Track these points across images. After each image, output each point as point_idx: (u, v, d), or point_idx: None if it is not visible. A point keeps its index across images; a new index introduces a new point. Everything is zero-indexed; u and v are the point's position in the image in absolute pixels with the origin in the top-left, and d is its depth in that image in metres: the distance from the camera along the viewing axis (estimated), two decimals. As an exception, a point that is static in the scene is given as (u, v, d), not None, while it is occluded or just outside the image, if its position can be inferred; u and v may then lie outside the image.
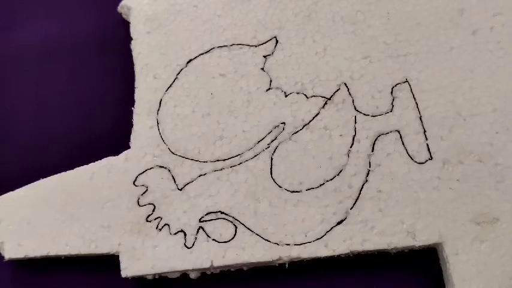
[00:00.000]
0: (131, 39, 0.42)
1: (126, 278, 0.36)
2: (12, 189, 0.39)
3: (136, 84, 0.40)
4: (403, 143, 0.35)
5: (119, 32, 0.44)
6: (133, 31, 0.42)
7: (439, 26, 0.38)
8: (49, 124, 0.43)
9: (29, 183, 0.39)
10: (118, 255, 0.37)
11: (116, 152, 0.39)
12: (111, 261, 0.37)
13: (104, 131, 0.43)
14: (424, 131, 0.36)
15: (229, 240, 0.35)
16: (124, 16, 0.44)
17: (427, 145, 0.35)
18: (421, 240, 0.34)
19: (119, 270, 0.36)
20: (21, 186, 0.39)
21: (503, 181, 0.34)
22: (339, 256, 0.35)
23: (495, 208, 0.34)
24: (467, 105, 0.36)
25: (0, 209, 0.39)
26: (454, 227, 0.34)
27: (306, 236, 0.35)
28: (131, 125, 0.39)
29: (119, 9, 0.44)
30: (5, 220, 0.39)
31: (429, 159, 0.35)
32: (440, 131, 0.35)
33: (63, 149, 0.43)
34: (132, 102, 0.40)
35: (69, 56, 0.45)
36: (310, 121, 0.37)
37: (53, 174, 0.39)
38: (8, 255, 0.38)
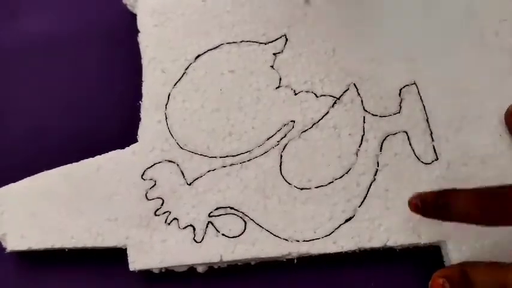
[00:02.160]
0: (137, 31, 0.42)
1: (130, 271, 0.36)
2: (15, 181, 0.39)
3: (144, 77, 0.40)
4: (410, 144, 0.37)
5: (124, 24, 0.44)
6: (140, 24, 0.41)
7: (446, 30, 0.39)
8: (52, 116, 0.43)
9: (32, 175, 0.39)
10: (120, 248, 0.37)
11: (121, 146, 0.39)
12: (110, 254, 0.37)
13: (109, 124, 0.42)
14: (431, 133, 0.37)
15: (238, 235, 0.36)
16: (129, 8, 0.44)
17: (433, 146, 0.36)
18: (426, 238, 0.35)
19: (120, 263, 0.36)
20: (23, 178, 0.39)
21: (505, 182, 0.35)
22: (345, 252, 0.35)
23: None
24: (472, 107, 0.37)
25: (2, 200, 0.38)
26: (457, 225, 0.34)
27: (315, 232, 0.35)
28: (137, 119, 0.39)
29: (124, 0, 0.44)
30: (7, 211, 0.38)
31: (435, 160, 0.36)
32: (446, 132, 0.37)
33: (67, 142, 0.42)
34: (137, 95, 0.40)
35: (74, 47, 0.44)
36: (319, 120, 0.37)
37: (57, 167, 0.39)
38: (10, 246, 0.37)
